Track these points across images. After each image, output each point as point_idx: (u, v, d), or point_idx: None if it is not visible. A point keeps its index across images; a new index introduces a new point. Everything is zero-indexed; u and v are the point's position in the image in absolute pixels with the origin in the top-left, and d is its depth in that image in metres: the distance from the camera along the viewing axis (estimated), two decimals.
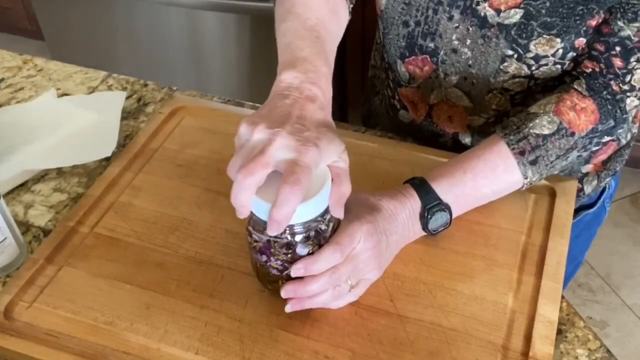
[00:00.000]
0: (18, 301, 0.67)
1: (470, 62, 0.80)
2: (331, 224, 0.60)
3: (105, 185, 0.78)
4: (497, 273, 0.68)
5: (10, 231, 0.70)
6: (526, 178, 0.72)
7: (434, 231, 0.70)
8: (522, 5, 0.72)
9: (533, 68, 0.77)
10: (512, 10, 0.73)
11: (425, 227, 0.69)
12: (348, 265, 0.62)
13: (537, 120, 0.72)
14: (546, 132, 0.72)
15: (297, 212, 0.55)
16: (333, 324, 0.64)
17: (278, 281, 0.62)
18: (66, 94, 0.98)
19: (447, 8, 0.77)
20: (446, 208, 0.69)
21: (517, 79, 0.79)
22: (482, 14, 0.75)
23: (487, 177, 0.71)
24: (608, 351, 0.64)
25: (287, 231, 0.58)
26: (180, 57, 1.84)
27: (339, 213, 0.59)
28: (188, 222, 0.74)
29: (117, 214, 0.75)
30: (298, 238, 0.58)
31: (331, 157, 0.57)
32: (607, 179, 0.94)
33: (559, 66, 0.76)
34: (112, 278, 0.68)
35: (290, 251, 0.59)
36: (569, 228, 0.72)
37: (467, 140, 0.88)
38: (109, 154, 0.83)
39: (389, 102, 0.95)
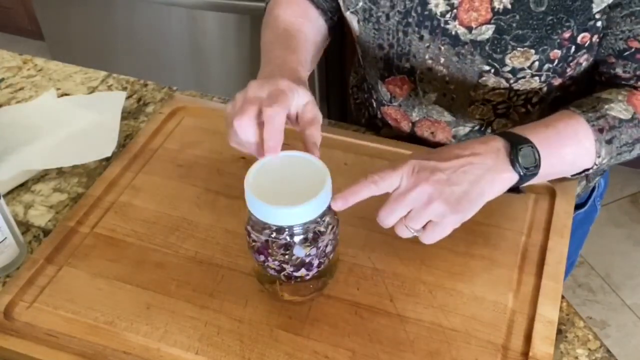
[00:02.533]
0: (18, 301, 0.67)
1: (447, 78, 0.80)
2: (330, 227, 0.60)
3: (105, 185, 0.78)
4: (497, 273, 0.68)
5: (10, 231, 0.70)
6: (599, 157, 0.70)
7: (524, 169, 0.64)
8: (492, 21, 0.73)
9: (511, 81, 0.77)
10: (484, 27, 0.73)
11: (514, 161, 0.64)
12: (395, 204, 0.61)
13: (612, 105, 0.71)
14: (622, 116, 0.70)
15: (297, 213, 0.55)
16: (333, 324, 0.64)
17: (275, 282, 0.63)
18: (66, 94, 0.98)
19: (416, 29, 0.77)
20: (533, 147, 0.65)
21: (497, 91, 0.79)
22: (453, 33, 0.75)
23: (570, 138, 0.68)
24: (608, 351, 0.64)
25: (286, 232, 0.58)
26: (180, 57, 1.84)
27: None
28: (188, 222, 0.74)
29: (117, 214, 0.75)
30: (296, 239, 0.58)
31: (301, 95, 0.64)
32: (597, 178, 0.94)
33: (536, 78, 0.76)
34: (112, 278, 0.68)
35: (287, 252, 0.59)
36: (569, 228, 0.72)
37: None
38: (109, 154, 0.83)
39: (372, 121, 0.95)
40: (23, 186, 0.82)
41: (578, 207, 0.95)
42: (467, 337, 0.63)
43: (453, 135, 0.86)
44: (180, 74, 1.89)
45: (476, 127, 0.85)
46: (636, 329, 1.76)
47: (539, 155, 0.65)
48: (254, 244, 0.60)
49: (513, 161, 0.64)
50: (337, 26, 0.89)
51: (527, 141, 0.65)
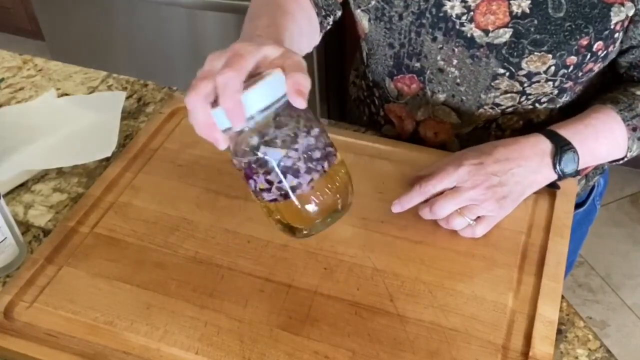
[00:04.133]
0: (18, 301, 0.67)
1: (459, 80, 0.80)
2: (305, 129, 0.57)
3: (105, 185, 0.78)
4: (497, 273, 0.68)
5: (10, 231, 0.70)
6: (630, 151, 0.77)
7: (563, 173, 0.72)
8: (510, 25, 0.73)
9: (525, 85, 0.77)
10: (501, 30, 0.73)
11: (556, 165, 0.71)
12: (453, 200, 0.69)
13: None
14: None
15: (250, 99, 0.53)
16: (333, 324, 0.64)
17: (280, 221, 0.59)
18: (66, 94, 0.98)
19: (430, 30, 0.77)
20: (575, 152, 0.72)
21: (508, 94, 0.79)
22: (469, 35, 0.75)
23: (606, 137, 0.75)
24: (608, 351, 0.64)
25: (261, 149, 0.55)
26: (180, 57, 1.84)
27: (298, 102, 0.53)
28: (188, 222, 0.74)
29: (117, 214, 0.75)
30: (269, 148, 0.55)
31: (272, 51, 0.55)
32: (596, 178, 0.94)
33: (550, 83, 0.77)
34: (112, 278, 0.68)
35: (268, 165, 0.56)
36: (569, 228, 0.72)
37: (454, 149, 0.87)
38: (109, 154, 0.83)
39: (373, 118, 0.95)
40: (23, 186, 0.82)
41: (577, 206, 0.95)
42: (467, 337, 0.63)
43: (456, 134, 0.86)
44: (180, 74, 1.88)
45: (480, 125, 0.85)
46: (636, 329, 1.76)
47: (578, 159, 0.72)
48: (240, 172, 0.58)
49: (555, 164, 0.72)
50: (336, 26, 0.88)
51: (569, 144, 0.72)
